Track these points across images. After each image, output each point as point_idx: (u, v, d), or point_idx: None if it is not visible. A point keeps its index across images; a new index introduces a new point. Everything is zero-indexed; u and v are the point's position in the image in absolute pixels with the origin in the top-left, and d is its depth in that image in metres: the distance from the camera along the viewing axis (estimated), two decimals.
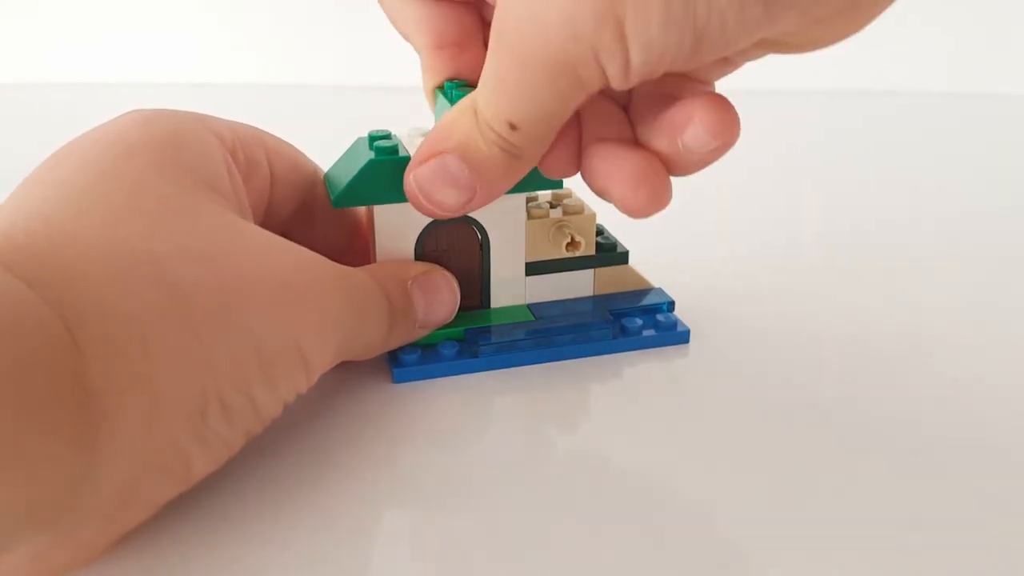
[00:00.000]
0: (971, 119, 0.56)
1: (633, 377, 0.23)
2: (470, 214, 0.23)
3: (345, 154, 0.23)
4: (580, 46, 0.15)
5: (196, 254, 0.17)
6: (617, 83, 0.16)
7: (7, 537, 0.13)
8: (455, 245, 0.23)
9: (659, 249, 0.28)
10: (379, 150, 0.22)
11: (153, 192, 0.17)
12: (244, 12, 0.60)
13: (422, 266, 0.23)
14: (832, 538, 0.17)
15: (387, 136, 0.23)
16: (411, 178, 0.19)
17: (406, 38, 0.23)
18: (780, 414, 0.21)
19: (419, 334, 0.23)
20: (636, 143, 0.19)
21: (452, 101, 0.22)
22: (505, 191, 0.19)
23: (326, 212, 0.24)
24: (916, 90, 0.60)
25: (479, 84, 0.18)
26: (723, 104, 0.17)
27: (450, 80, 0.22)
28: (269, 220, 0.22)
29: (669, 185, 0.18)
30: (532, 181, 0.23)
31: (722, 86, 0.19)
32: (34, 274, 0.14)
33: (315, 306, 0.19)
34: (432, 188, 0.19)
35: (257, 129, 0.22)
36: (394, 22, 0.22)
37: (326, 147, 0.25)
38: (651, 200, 0.18)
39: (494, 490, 0.19)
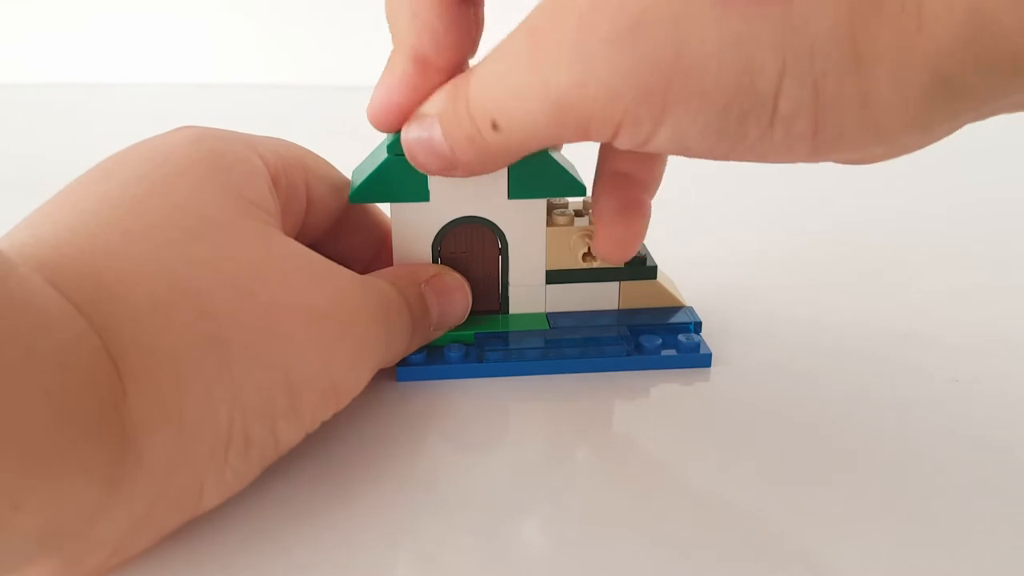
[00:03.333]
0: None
1: (644, 397, 0.22)
2: (489, 218, 0.23)
3: (373, 151, 0.24)
4: (610, 107, 0.15)
5: (235, 283, 0.17)
6: (624, 147, 0.16)
7: (12, 562, 0.13)
8: (474, 248, 0.23)
9: (699, 265, 0.27)
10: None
11: (199, 212, 0.17)
12: (249, 11, 0.60)
13: (434, 268, 0.23)
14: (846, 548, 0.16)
15: None
16: (403, 132, 0.19)
17: (392, 24, 0.19)
18: (784, 457, 0.20)
19: (434, 336, 0.23)
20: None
21: None
22: (486, 172, 0.19)
23: (357, 227, 0.24)
24: None
25: (483, 61, 0.17)
26: (626, 232, 0.21)
27: None
28: (300, 238, 0.22)
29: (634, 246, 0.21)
30: (554, 186, 0.23)
31: None
32: (82, 296, 0.15)
33: (350, 339, 0.18)
34: (416, 151, 0.19)
35: (300, 150, 0.22)
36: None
37: (332, 149, 0.25)
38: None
39: (494, 498, 0.18)
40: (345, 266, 0.24)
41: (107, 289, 0.15)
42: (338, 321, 0.18)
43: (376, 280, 0.21)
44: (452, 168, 0.18)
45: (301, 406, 0.17)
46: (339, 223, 0.23)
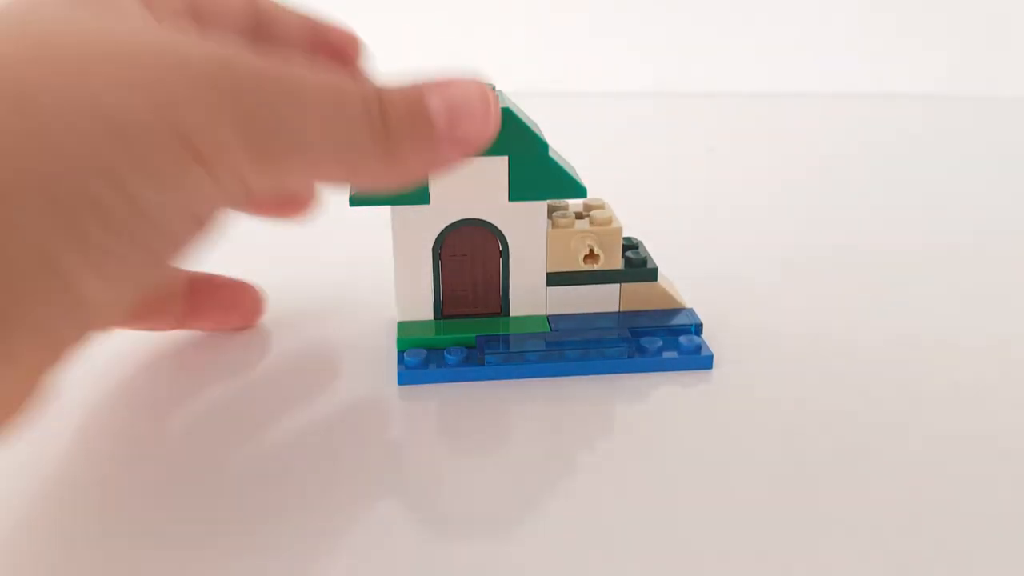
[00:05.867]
0: (971, 121, 0.55)
1: (645, 399, 0.22)
2: (490, 220, 0.23)
3: None
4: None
5: (26, 36, 0.15)
6: None
7: None
8: (475, 250, 0.23)
9: (697, 267, 0.27)
10: None
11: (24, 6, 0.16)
12: None
13: (446, 76, 0.18)
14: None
15: None
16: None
17: None
18: (789, 462, 0.20)
19: (448, 154, 0.18)
20: None
21: None
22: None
23: (287, 26, 0.21)
24: (917, 93, 0.59)
25: None
26: None
27: None
28: None
29: None
30: (554, 188, 0.23)
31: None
32: None
33: (194, 79, 0.15)
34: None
35: None
36: None
37: None
38: None
39: (494, 502, 0.18)
40: None
41: None
42: (172, 59, 0.15)
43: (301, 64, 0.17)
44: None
45: (150, 163, 0.14)
46: (261, 29, 0.21)
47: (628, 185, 0.32)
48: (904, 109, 0.57)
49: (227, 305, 0.25)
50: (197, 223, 0.16)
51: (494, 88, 0.22)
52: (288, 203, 0.24)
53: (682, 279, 0.26)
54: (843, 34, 0.60)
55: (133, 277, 0.15)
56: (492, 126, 0.18)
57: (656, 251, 0.25)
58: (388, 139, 0.17)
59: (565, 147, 0.24)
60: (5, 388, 0.14)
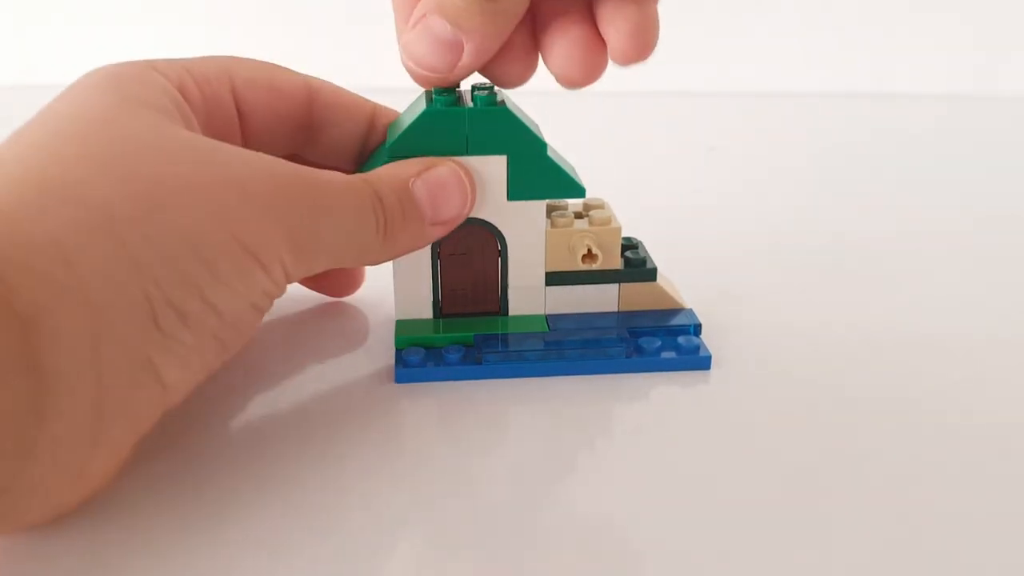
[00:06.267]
0: (973, 121, 0.54)
1: (644, 399, 0.22)
2: (488, 219, 0.23)
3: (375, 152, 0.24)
4: None
5: (112, 169, 0.17)
6: None
7: None
8: (473, 249, 0.23)
9: (697, 268, 0.27)
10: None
11: (77, 115, 0.18)
12: (249, 11, 0.60)
13: (427, 162, 0.21)
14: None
15: None
16: (401, 46, 0.20)
17: None
18: (784, 467, 0.20)
19: (435, 234, 0.22)
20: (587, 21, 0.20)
21: (434, 104, 0.21)
22: (493, 46, 0.20)
23: (333, 125, 0.23)
24: (918, 93, 0.59)
25: None
26: (638, 30, 0.20)
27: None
28: (270, 150, 0.21)
29: (603, 61, 0.20)
30: (553, 188, 0.23)
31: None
32: None
33: (251, 199, 0.18)
34: (420, 51, 0.20)
35: (226, 60, 0.22)
36: None
37: None
38: (583, 70, 0.20)
39: (492, 502, 0.18)
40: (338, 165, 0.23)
41: None
42: (232, 184, 0.18)
43: (314, 168, 0.20)
44: (458, 53, 0.20)
45: (222, 272, 0.17)
46: (308, 130, 0.23)
47: (628, 185, 0.32)
48: (905, 109, 0.57)
49: None
50: (257, 312, 0.18)
51: (497, 94, 0.22)
52: (337, 285, 0.27)
53: (681, 279, 0.26)
54: (844, 34, 0.60)
55: (206, 364, 0.18)
56: (469, 206, 0.22)
57: (655, 251, 0.25)
58: (386, 230, 0.20)
59: (565, 147, 0.24)
60: (100, 464, 0.16)
